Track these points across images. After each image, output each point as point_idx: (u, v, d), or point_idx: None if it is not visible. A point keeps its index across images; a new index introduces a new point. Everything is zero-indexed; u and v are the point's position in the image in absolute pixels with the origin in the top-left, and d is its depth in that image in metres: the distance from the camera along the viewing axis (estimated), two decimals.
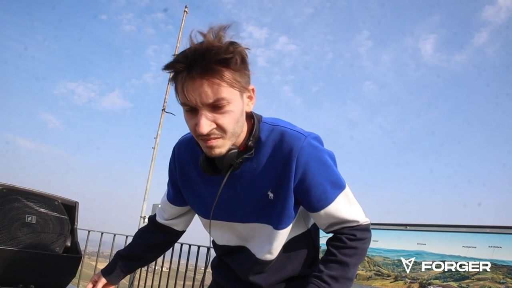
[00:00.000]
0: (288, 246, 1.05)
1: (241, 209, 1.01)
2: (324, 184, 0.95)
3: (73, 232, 1.61)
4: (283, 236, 1.01)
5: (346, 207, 0.98)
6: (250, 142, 0.93)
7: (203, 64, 0.78)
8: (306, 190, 0.94)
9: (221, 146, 0.87)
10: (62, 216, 1.57)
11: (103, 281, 1.24)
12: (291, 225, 1.01)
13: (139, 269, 4.71)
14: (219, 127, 0.85)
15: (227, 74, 0.81)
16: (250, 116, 0.97)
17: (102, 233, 4.93)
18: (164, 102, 6.45)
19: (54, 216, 1.55)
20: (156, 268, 4.99)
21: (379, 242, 2.60)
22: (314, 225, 1.11)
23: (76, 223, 1.63)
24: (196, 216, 1.20)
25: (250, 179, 0.96)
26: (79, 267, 1.74)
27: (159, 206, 1.29)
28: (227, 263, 1.15)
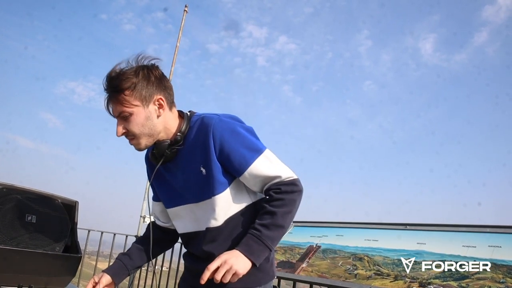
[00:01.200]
0: (236, 218, 1.20)
1: (188, 191, 1.23)
2: (240, 150, 1.15)
3: (73, 232, 1.61)
4: (222, 201, 1.18)
5: (267, 166, 1.15)
6: (178, 136, 1.21)
7: (109, 89, 1.17)
8: (227, 157, 1.15)
9: (138, 144, 1.20)
10: (62, 215, 1.57)
11: (104, 280, 1.25)
12: (228, 191, 1.19)
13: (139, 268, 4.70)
14: (129, 131, 1.17)
15: (124, 97, 1.14)
16: (182, 116, 1.26)
17: (102, 233, 4.92)
18: None
19: (54, 216, 1.55)
20: (156, 267, 4.99)
21: (379, 241, 2.60)
22: (261, 199, 1.25)
23: (76, 222, 1.63)
24: None
25: (186, 163, 1.21)
26: (79, 267, 1.74)
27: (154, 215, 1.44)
28: (192, 253, 1.28)
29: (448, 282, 2.09)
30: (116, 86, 1.15)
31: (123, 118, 1.17)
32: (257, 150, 1.16)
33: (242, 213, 1.21)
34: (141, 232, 5.51)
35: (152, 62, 1.22)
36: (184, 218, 1.28)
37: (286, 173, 1.16)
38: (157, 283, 4.68)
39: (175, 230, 1.36)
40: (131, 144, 1.21)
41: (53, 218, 1.54)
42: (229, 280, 1.04)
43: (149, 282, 4.85)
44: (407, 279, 2.22)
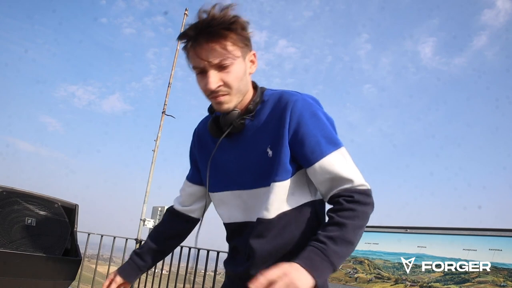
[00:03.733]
0: (291, 214, 1.02)
1: (245, 173, 1.05)
2: (318, 136, 0.98)
3: (73, 235, 1.61)
4: (280, 190, 1.00)
5: (341, 164, 0.97)
6: (250, 106, 1.03)
7: (210, 30, 0.92)
8: (300, 141, 0.98)
9: (229, 102, 0.99)
10: (62, 218, 1.57)
11: (118, 280, 1.21)
12: (289, 181, 1.00)
13: None
14: (225, 84, 0.97)
15: (230, 37, 0.94)
16: (254, 86, 1.08)
17: (102, 236, 4.92)
18: (164, 104, 6.46)
19: (54, 219, 1.54)
20: (156, 271, 4.98)
21: (380, 245, 2.60)
22: (322, 200, 1.07)
23: (76, 225, 1.63)
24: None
25: (251, 139, 1.04)
26: (79, 270, 1.74)
27: (178, 195, 1.30)
28: (236, 248, 1.12)
29: (449, 286, 2.08)
30: (221, 28, 0.93)
31: (222, 67, 0.96)
32: (335, 144, 0.99)
33: (299, 210, 1.03)
34: (141, 236, 5.51)
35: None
36: (231, 206, 1.11)
37: (359, 179, 0.97)
38: (157, 286, 4.66)
39: (192, 218, 1.26)
40: (218, 102, 0.99)
41: (53, 222, 1.54)
42: None
43: (149, 285, 4.83)
44: (407, 282, 2.22)
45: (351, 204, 0.94)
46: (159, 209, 5.84)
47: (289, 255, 0.99)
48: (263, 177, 1.02)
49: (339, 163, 0.97)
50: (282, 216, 1.02)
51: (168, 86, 6.62)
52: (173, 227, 1.28)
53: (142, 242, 1.34)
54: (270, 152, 1.01)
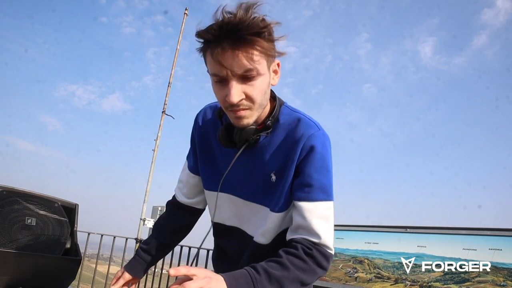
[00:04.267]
0: (283, 238, 1.01)
1: (247, 186, 1.02)
2: (314, 179, 0.93)
3: (73, 234, 1.61)
4: (277, 220, 0.99)
5: (320, 216, 0.93)
6: (268, 122, 0.96)
7: (236, 35, 0.80)
8: (298, 174, 0.94)
9: (249, 117, 0.91)
10: (62, 218, 1.57)
11: (126, 276, 1.19)
12: (286, 212, 0.99)
13: None
14: (248, 98, 0.87)
15: (260, 45, 0.82)
16: (273, 98, 1.01)
17: (102, 235, 4.92)
18: (164, 104, 6.46)
19: (54, 218, 1.54)
20: (156, 270, 4.98)
21: (380, 244, 2.60)
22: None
23: (76, 225, 1.63)
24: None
25: (260, 158, 0.98)
26: (79, 270, 1.74)
27: (178, 184, 1.25)
28: (221, 247, 1.14)
29: (449, 285, 2.08)
30: (250, 34, 0.81)
31: (245, 79, 0.85)
32: (328, 195, 0.95)
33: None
34: (141, 235, 5.52)
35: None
36: (222, 207, 1.09)
37: (328, 241, 0.93)
38: (157, 285, 4.67)
39: (198, 209, 1.23)
40: (238, 116, 0.90)
41: (53, 221, 1.54)
42: None
43: (149, 284, 4.83)
44: (407, 282, 2.22)
45: (306, 256, 0.90)
46: (159, 208, 5.84)
47: None
48: (263, 196, 1.00)
49: (318, 215, 0.93)
50: (277, 239, 1.02)
51: (168, 86, 6.62)
52: (180, 220, 1.24)
53: (143, 241, 1.32)
54: (273, 178, 0.97)
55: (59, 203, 1.59)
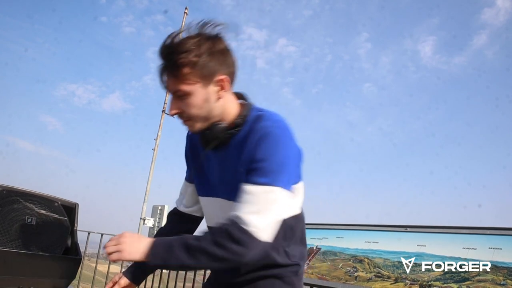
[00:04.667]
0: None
1: (227, 186, 1.07)
2: (259, 165, 0.95)
3: (73, 234, 1.61)
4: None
5: (254, 199, 0.93)
6: (237, 120, 1.04)
7: (168, 60, 0.97)
8: (249, 161, 0.98)
9: (193, 125, 1.04)
10: (62, 217, 1.57)
11: (123, 282, 1.21)
12: None
13: None
14: (184, 112, 1.02)
15: (183, 74, 0.96)
16: (242, 101, 1.10)
17: (102, 235, 4.92)
18: (164, 103, 6.46)
19: (54, 218, 1.55)
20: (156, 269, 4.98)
21: (380, 243, 2.60)
22: (294, 216, 1.10)
23: (76, 224, 1.63)
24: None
25: (232, 156, 1.05)
26: (79, 269, 1.74)
27: (178, 197, 1.33)
28: None
29: (449, 284, 2.08)
30: (175, 60, 0.96)
31: (178, 97, 1.00)
32: (271, 180, 0.95)
33: None
34: (141, 234, 5.51)
35: (217, 30, 1.00)
36: (212, 211, 1.15)
37: (250, 220, 0.91)
38: (157, 284, 4.67)
39: (197, 217, 1.29)
40: (184, 125, 1.05)
41: (53, 220, 1.54)
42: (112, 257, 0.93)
43: (149, 284, 4.83)
44: (407, 281, 2.22)
45: (221, 230, 0.91)
46: (159, 208, 5.84)
47: (266, 269, 1.07)
48: (237, 192, 1.00)
49: (253, 197, 0.93)
50: None
51: None
52: (181, 227, 1.28)
53: None
54: (241, 170, 1.00)
55: (59, 203, 1.59)
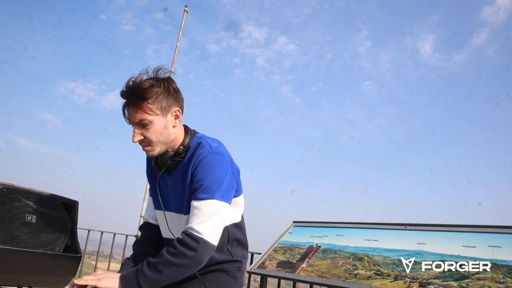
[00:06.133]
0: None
1: (176, 201, 1.31)
2: (199, 184, 1.20)
3: (73, 232, 1.61)
4: (186, 221, 1.22)
5: (200, 212, 1.17)
6: (180, 149, 1.30)
7: (131, 96, 1.23)
8: (192, 182, 1.24)
9: (153, 150, 1.28)
10: (62, 215, 1.57)
11: None
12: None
13: None
14: (146, 138, 1.26)
15: (145, 106, 1.22)
16: (186, 131, 1.36)
17: (102, 233, 4.92)
18: None
19: (54, 216, 1.55)
20: None
21: (379, 241, 2.60)
22: (234, 224, 1.34)
23: (76, 222, 1.63)
24: None
25: (179, 178, 1.30)
26: (79, 267, 1.74)
27: (146, 211, 1.52)
28: None
29: (448, 282, 2.09)
30: (140, 94, 1.21)
31: (142, 125, 1.24)
32: (210, 195, 1.20)
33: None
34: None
35: (168, 74, 1.32)
36: (166, 223, 1.35)
37: (200, 228, 1.16)
38: None
39: None
40: (145, 150, 1.29)
41: (53, 218, 1.54)
42: None
43: None
44: (407, 279, 2.22)
45: (177, 242, 1.15)
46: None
47: (214, 265, 1.30)
48: (185, 207, 1.26)
49: (199, 211, 1.18)
50: None
51: None
52: (155, 238, 1.44)
53: (125, 260, 1.37)
54: (188, 190, 1.25)
55: (59, 200, 1.59)
